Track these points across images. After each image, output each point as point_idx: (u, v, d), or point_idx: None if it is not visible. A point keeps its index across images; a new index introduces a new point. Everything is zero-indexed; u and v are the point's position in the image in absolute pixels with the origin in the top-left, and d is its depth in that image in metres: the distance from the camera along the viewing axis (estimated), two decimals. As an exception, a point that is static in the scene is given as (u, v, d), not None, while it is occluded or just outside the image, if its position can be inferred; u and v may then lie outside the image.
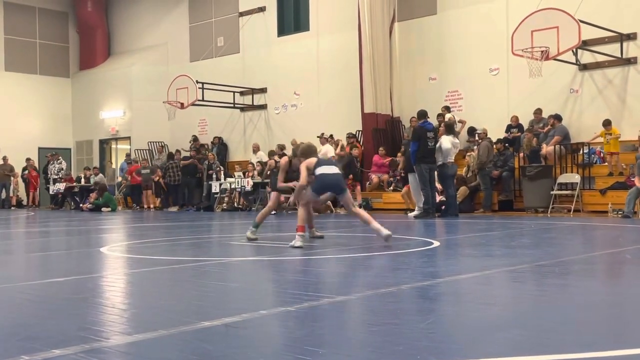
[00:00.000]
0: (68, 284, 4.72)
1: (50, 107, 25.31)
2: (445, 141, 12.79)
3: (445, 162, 12.69)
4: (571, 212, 12.88)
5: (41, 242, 9.16)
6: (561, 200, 13.60)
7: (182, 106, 19.19)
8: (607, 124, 13.80)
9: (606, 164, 13.91)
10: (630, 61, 14.22)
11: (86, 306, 3.74)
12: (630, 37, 14.17)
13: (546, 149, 14.19)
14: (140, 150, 22.91)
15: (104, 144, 25.27)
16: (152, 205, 19.81)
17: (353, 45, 17.68)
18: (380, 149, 16.81)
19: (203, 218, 14.66)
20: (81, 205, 19.66)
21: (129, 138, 24.00)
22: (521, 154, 14.55)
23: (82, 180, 21.34)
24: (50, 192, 21.98)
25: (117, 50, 25.86)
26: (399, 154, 15.93)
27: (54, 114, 25.41)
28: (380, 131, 17.33)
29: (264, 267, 5.78)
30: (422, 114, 12.67)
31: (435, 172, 12.74)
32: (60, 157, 22.64)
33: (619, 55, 14.18)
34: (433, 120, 14.77)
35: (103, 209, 18.63)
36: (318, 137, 17.62)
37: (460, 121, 16.29)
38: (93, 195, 19.01)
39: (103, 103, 24.67)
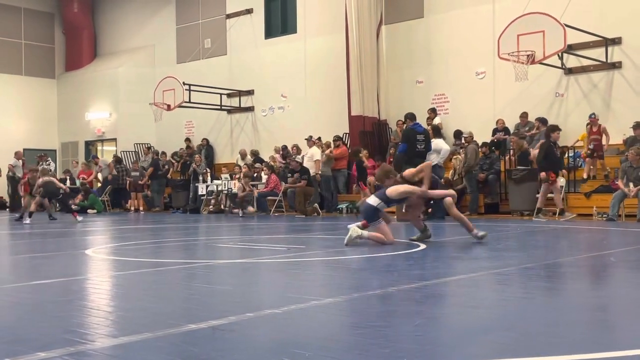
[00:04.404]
0: (53, 287, 4.68)
1: (35, 108, 25.11)
2: (443, 143, 12.93)
3: (439, 164, 12.80)
4: (556, 215, 12.95)
5: (26, 244, 9.08)
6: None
7: (168, 108, 19.13)
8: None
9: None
10: (615, 65, 14.35)
11: (71, 309, 3.72)
12: (615, 41, 14.30)
13: (533, 152, 14.28)
14: (126, 151, 22.81)
15: (90, 145, 25.12)
16: (141, 208, 19.73)
17: (340, 48, 17.71)
18: (365, 152, 16.79)
19: (189, 220, 14.61)
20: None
21: (115, 139, 23.87)
22: (507, 157, 14.64)
23: (68, 181, 21.17)
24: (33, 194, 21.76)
25: (103, 52, 25.73)
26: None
27: (40, 115, 25.21)
28: (367, 134, 17.36)
29: (251, 269, 5.77)
30: (412, 116, 12.71)
31: None
32: (49, 159, 22.45)
33: (604, 60, 14.31)
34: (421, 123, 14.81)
35: (89, 210, 18.51)
36: (306, 139, 17.65)
37: (438, 124, 16.37)
38: (78, 197, 18.89)
39: (89, 104, 24.52)
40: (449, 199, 7.39)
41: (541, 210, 12.54)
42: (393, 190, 7.17)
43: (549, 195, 12.49)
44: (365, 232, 7.09)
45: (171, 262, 6.07)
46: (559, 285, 4.65)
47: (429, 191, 7.29)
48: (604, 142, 13.70)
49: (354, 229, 7.07)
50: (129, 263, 6.19)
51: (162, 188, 20.14)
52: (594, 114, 13.93)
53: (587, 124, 13.89)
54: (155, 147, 22.59)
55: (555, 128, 12.71)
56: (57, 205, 20.85)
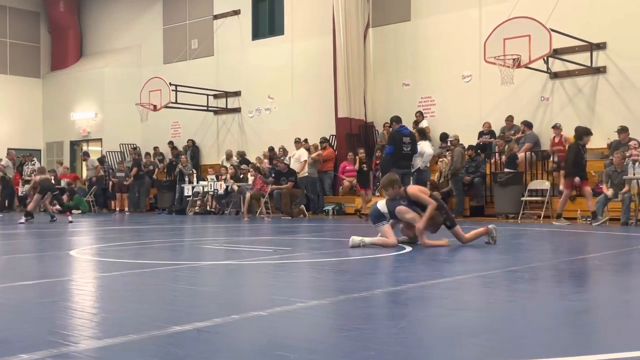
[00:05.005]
0: (36, 288, 4.64)
1: (20, 108, 24.90)
2: (427, 146, 12.92)
3: (422, 168, 12.79)
4: (541, 219, 13.04)
5: (9, 244, 9.00)
6: (531, 206, 13.78)
7: (154, 108, 19.04)
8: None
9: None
10: (599, 70, 14.48)
11: (55, 310, 3.69)
12: (600, 46, 14.43)
13: (520, 155, 14.38)
14: (112, 152, 22.69)
15: (75, 146, 24.95)
16: (126, 209, 19.62)
17: (327, 50, 17.73)
18: (350, 154, 16.86)
19: (175, 221, 14.55)
20: (51, 207, 19.34)
21: (100, 140, 23.73)
22: (492, 160, 14.72)
23: (53, 181, 21.01)
24: (20, 194, 21.60)
25: (89, 51, 25.57)
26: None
27: (24, 114, 25.01)
28: (354, 136, 17.39)
29: (237, 271, 5.76)
30: (398, 119, 12.74)
31: (411, 178, 12.79)
32: (34, 158, 22.26)
33: (589, 64, 14.44)
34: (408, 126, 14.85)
35: (73, 211, 18.37)
36: (296, 141, 17.64)
37: (426, 127, 16.43)
38: (63, 198, 18.74)
39: (74, 104, 24.36)
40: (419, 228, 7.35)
41: (561, 215, 11.96)
42: (401, 212, 7.27)
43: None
44: (367, 239, 7.18)
45: (156, 264, 6.04)
46: (543, 289, 4.68)
47: (425, 239, 7.28)
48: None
49: (353, 239, 7.17)
50: (113, 264, 6.16)
51: (143, 188, 20.03)
52: (557, 123, 14.00)
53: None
54: (141, 147, 22.51)
55: (588, 132, 11.97)
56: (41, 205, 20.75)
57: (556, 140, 13.76)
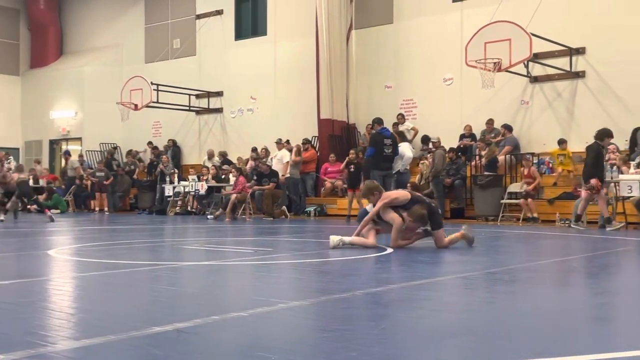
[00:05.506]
0: (13, 287, 4.59)
1: (-2, 106, 24.61)
2: (407, 149, 12.92)
3: (401, 170, 12.82)
4: (520, 221, 13.15)
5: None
6: (511, 209, 13.88)
7: (136, 108, 18.91)
8: (561, 142, 14.19)
9: (554, 174, 14.28)
10: (578, 75, 14.64)
11: (32, 310, 3.65)
12: (580, 51, 14.59)
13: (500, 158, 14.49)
14: (92, 151, 22.49)
15: (54, 144, 24.69)
16: (105, 208, 19.45)
17: (310, 51, 17.73)
18: (331, 155, 16.86)
19: (155, 221, 14.46)
20: (29, 206, 19.16)
21: (80, 139, 23.51)
22: (473, 163, 14.82)
23: (31, 181, 20.79)
24: None
25: (69, 50, 25.33)
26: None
27: (3, 112, 24.68)
28: (336, 137, 17.40)
29: (217, 272, 5.73)
30: (380, 121, 12.78)
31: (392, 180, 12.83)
32: (10, 157, 21.98)
33: (569, 69, 14.59)
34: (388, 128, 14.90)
35: (52, 210, 18.17)
36: (276, 142, 17.61)
37: (412, 129, 16.52)
38: (42, 196, 18.55)
39: (54, 102, 24.10)
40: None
41: (580, 218, 11.56)
42: (385, 214, 7.32)
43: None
44: (346, 239, 7.21)
45: (136, 264, 6.00)
46: (522, 290, 4.72)
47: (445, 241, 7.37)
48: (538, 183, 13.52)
49: (332, 239, 7.18)
50: (92, 264, 6.10)
51: (115, 189, 19.80)
52: (528, 155, 14.02)
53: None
54: (121, 147, 22.34)
55: (610, 134, 11.57)
56: (20, 204, 20.51)
57: (525, 172, 13.80)
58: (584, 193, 11.55)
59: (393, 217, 7.23)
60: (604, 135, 11.45)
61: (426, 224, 7.33)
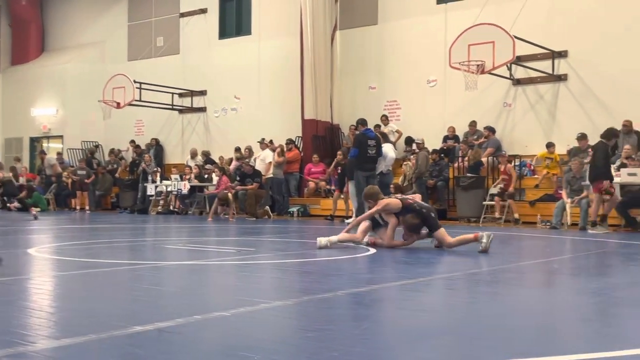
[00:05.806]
0: (-8, 286, 4.53)
1: (-22, 102, 24.33)
2: (390, 150, 12.95)
3: (384, 171, 12.83)
4: (502, 222, 13.24)
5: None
6: (492, 210, 13.97)
7: (118, 106, 18.77)
8: (549, 145, 14.30)
9: (536, 176, 14.40)
10: (560, 78, 14.77)
11: (12, 309, 3.61)
12: (562, 54, 14.72)
13: (483, 158, 14.57)
14: (73, 149, 22.30)
15: (35, 142, 24.44)
16: (86, 207, 19.30)
17: (295, 52, 17.72)
18: (314, 156, 16.86)
19: (137, 221, 14.37)
20: (8, 204, 18.97)
21: (61, 137, 23.30)
22: (456, 164, 14.89)
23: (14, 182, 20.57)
24: None
25: (51, 47, 25.08)
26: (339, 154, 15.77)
27: (-18, 109, 24.44)
28: (320, 138, 17.41)
29: (200, 271, 5.71)
30: (364, 122, 12.79)
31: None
32: None
33: (551, 72, 14.72)
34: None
35: (32, 208, 17.99)
36: (259, 142, 17.57)
37: (397, 131, 16.56)
38: (22, 195, 18.36)
39: (35, 100, 23.86)
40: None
41: (597, 223, 11.09)
42: (384, 213, 7.50)
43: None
44: (334, 238, 7.32)
45: (117, 263, 5.96)
46: (504, 291, 4.75)
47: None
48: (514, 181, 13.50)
49: (320, 241, 7.25)
50: (73, 263, 6.05)
51: (95, 187, 19.65)
52: (504, 151, 14.13)
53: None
54: (103, 145, 22.17)
55: (617, 134, 11.46)
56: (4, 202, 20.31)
57: (501, 168, 13.89)
58: (594, 195, 11.12)
59: (389, 217, 7.44)
60: (612, 135, 11.33)
61: (420, 231, 7.43)
